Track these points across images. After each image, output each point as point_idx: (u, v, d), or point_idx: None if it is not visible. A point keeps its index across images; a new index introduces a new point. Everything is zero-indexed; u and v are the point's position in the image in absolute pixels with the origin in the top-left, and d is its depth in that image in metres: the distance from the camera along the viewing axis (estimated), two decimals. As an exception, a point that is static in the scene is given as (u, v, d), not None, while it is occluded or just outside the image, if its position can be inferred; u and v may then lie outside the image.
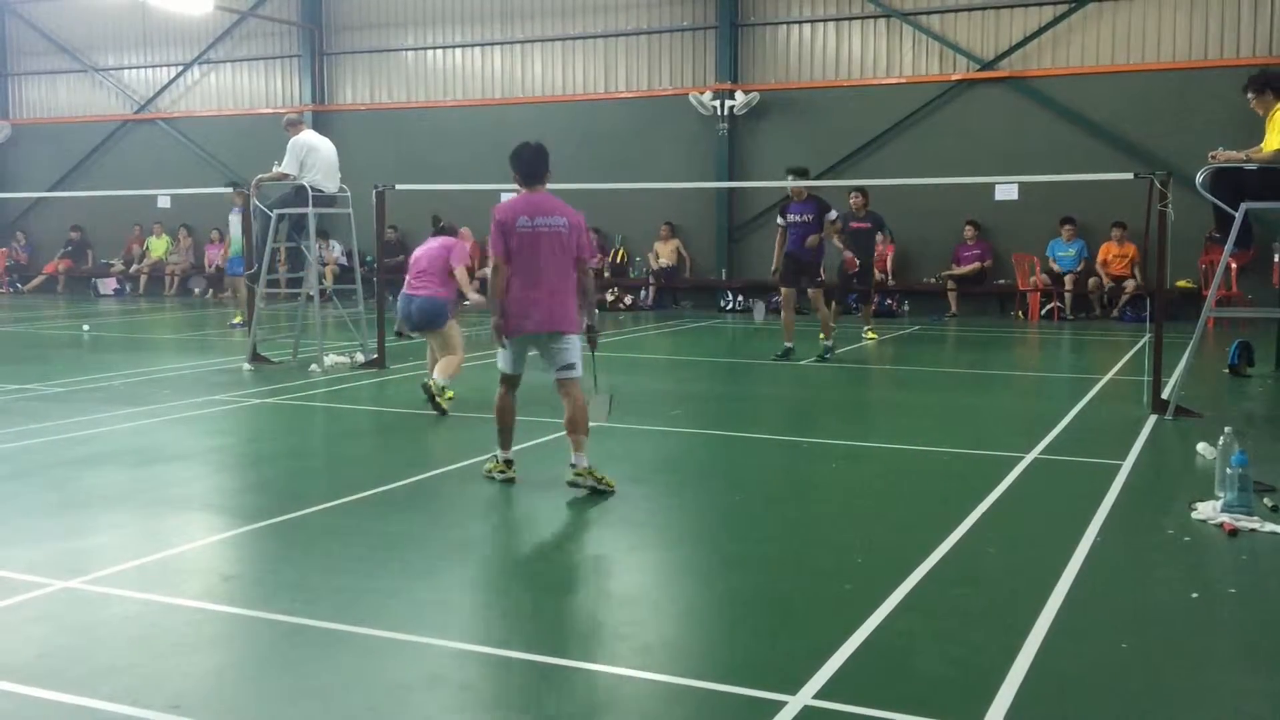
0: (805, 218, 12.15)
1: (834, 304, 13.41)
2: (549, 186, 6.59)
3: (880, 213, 15.40)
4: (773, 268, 12.56)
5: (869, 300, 14.99)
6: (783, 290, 12.47)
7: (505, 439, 6.68)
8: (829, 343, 12.35)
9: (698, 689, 3.76)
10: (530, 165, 6.53)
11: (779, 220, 12.54)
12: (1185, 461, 7.13)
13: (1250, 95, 8.64)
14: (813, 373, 11.81)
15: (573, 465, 6.43)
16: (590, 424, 6.55)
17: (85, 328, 15.70)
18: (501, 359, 6.63)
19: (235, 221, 15.32)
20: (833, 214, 12.36)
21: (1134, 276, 16.94)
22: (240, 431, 8.62)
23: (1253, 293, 15.62)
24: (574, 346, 6.52)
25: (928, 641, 4.14)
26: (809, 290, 12.22)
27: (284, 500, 6.26)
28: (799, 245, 12.14)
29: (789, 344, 12.29)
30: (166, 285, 23.62)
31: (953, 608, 4.50)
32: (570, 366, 6.51)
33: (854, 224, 14.49)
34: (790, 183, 12.40)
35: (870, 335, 14.41)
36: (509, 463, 6.67)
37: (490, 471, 6.70)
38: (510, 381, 6.66)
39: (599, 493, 6.29)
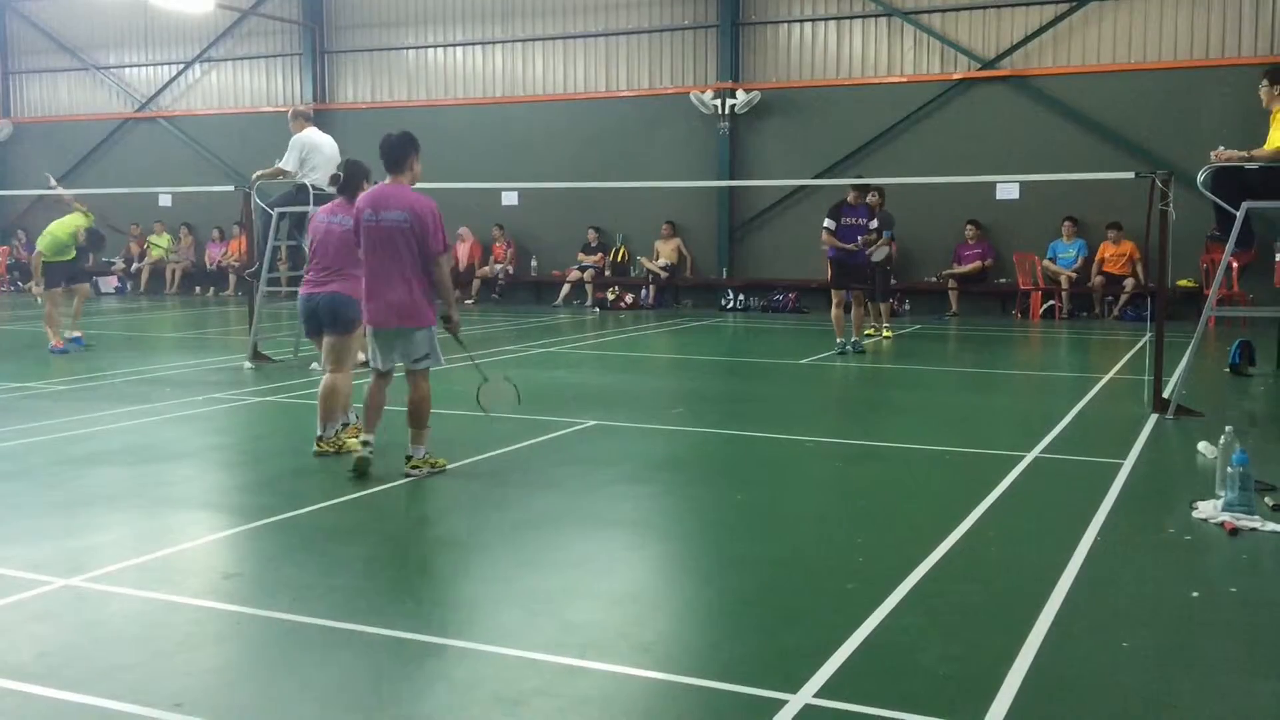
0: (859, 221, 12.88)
1: (867, 304, 13.53)
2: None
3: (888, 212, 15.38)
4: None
5: (883, 299, 14.92)
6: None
7: (369, 421, 6.77)
8: (855, 339, 12.91)
9: (699, 687, 3.76)
10: (387, 154, 6.60)
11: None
12: (1186, 460, 7.12)
13: (1265, 85, 8.57)
14: (814, 372, 11.82)
15: (408, 457, 6.68)
16: (499, 414, 7.14)
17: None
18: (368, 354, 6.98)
19: None
20: (872, 223, 13.01)
21: (1134, 276, 16.94)
22: (241, 430, 8.63)
23: (1254, 292, 15.61)
24: (424, 340, 6.64)
25: (929, 640, 4.14)
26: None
27: (285, 499, 6.27)
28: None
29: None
30: (167, 283, 23.65)
31: (954, 606, 4.50)
32: (419, 359, 6.66)
33: None
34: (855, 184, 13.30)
35: (884, 334, 14.42)
36: (366, 443, 6.67)
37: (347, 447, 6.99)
38: (380, 375, 6.82)
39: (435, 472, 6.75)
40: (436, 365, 6.75)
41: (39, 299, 13.29)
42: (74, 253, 13.56)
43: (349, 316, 7.24)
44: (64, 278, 13.38)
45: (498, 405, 7.07)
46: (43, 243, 13.21)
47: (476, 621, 4.40)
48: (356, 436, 7.04)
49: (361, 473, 6.56)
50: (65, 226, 13.29)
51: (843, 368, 12.02)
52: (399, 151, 6.58)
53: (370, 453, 6.62)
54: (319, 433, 7.27)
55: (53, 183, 15.83)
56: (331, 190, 11.70)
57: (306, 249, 7.81)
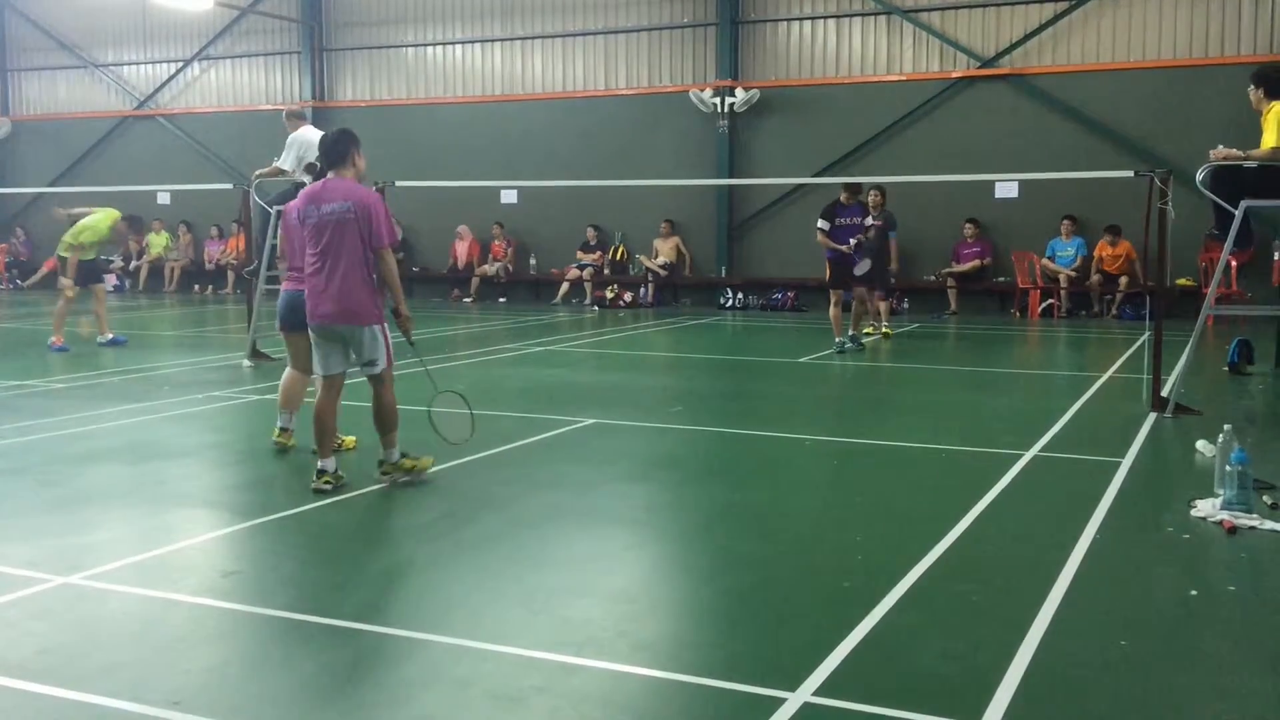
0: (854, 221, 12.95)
1: (867, 302, 13.55)
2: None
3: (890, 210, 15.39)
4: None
5: (885, 297, 14.97)
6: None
7: (323, 446, 6.39)
8: (852, 333, 12.91)
9: (697, 685, 3.76)
10: (327, 151, 6.46)
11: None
12: (1185, 459, 7.13)
13: (1251, 89, 8.63)
14: (813, 370, 11.82)
15: (380, 461, 6.49)
16: (454, 442, 6.67)
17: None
18: (313, 359, 6.64)
19: None
20: (867, 220, 13.05)
21: (1132, 275, 16.92)
22: (239, 428, 8.62)
23: (1252, 291, 15.61)
24: (375, 340, 6.37)
25: (928, 638, 4.14)
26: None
27: (283, 496, 6.27)
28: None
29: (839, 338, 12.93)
30: (166, 281, 23.64)
31: (952, 604, 4.50)
32: (371, 363, 6.40)
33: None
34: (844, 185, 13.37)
35: (882, 331, 14.43)
36: (337, 474, 6.33)
37: (315, 486, 6.26)
38: (327, 382, 6.49)
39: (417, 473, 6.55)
40: (386, 368, 6.47)
41: (68, 293, 13.19)
42: (95, 252, 13.63)
43: None
44: (83, 278, 13.40)
45: (453, 431, 6.73)
46: (84, 236, 13.14)
47: (474, 619, 4.39)
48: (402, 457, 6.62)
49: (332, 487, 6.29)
50: (104, 220, 13.32)
51: (841, 366, 12.02)
52: (339, 147, 6.41)
53: (327, 485, 6.25)
54: (280, 424, 7.44)
55: (58, 213, 15.68)
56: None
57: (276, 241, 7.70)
